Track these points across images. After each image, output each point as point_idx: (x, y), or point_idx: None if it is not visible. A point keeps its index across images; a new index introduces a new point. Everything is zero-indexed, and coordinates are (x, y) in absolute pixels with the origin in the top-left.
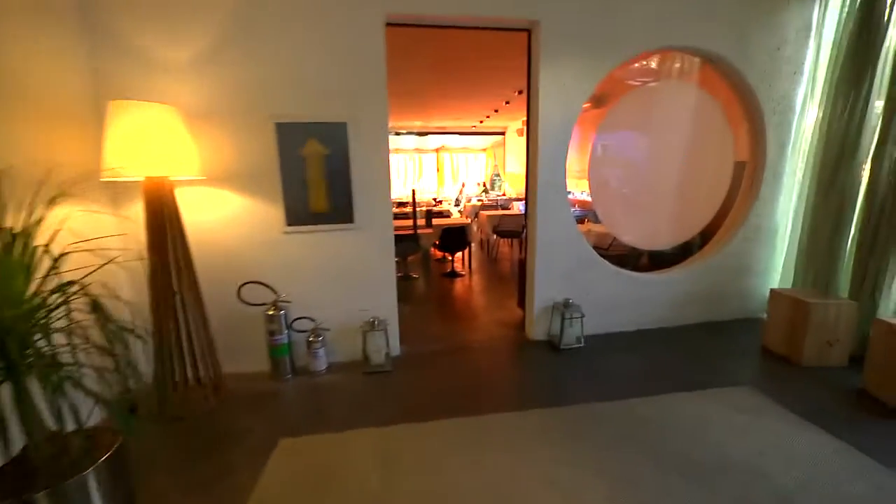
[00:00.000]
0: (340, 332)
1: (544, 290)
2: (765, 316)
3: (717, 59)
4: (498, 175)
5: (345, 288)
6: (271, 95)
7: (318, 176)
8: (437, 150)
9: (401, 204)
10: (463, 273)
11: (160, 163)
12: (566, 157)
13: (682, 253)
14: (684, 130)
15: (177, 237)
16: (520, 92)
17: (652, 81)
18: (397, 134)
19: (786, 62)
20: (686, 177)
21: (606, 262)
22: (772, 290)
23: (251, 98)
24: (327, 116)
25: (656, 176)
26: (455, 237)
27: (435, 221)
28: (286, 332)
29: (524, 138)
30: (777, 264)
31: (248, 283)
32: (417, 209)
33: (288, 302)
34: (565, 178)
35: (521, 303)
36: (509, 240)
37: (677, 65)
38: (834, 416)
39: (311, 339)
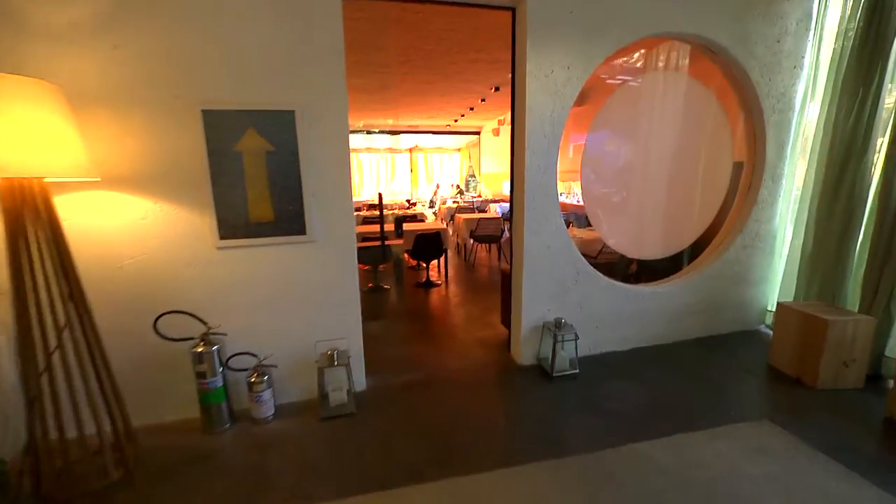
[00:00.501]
0: (292, 366)
1: (533, 307)
2: (763, 328)
3: (718, 49)
4: (473, 176)
5: (296, 314)
6: (197, 75)
7: (259, 177)
8: (410, 150)
9: (371, 206)
10: (439, 283)
11: (24, 158)
12: (557, 156)
13: (672, 260)
14: (683, 128)
15: (55, 257)
16: (496, 88)
17: (633, 81)
18: (369, 133)
19: (786, 56)
20: (686, 178)
21: (599, 274)
22: (779, 304)
23: (169, 77)
24: (271, 103)
25: (655, 178)
26: (429, 244)
27: (407, 226)
28: (220, 372)
29: (499, 138)
30: (776, 273)
31: (168, 312)
32: (389, 212)
33: (223, 335)
34: (556, 180)
35: (506, 320)
36: (487, 244)
37: (661, 62)
38: (868, 457)
39: (252, 379)
